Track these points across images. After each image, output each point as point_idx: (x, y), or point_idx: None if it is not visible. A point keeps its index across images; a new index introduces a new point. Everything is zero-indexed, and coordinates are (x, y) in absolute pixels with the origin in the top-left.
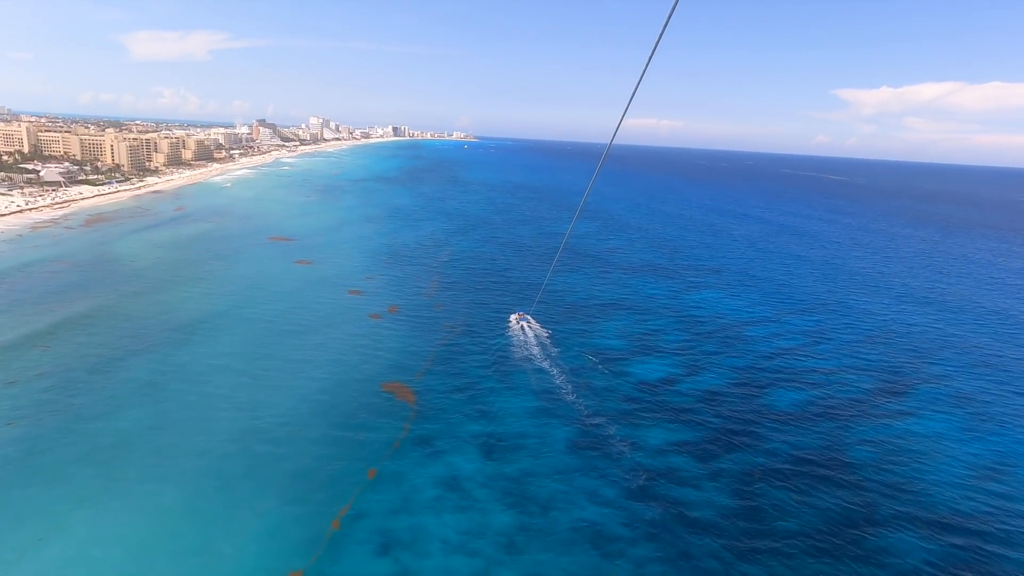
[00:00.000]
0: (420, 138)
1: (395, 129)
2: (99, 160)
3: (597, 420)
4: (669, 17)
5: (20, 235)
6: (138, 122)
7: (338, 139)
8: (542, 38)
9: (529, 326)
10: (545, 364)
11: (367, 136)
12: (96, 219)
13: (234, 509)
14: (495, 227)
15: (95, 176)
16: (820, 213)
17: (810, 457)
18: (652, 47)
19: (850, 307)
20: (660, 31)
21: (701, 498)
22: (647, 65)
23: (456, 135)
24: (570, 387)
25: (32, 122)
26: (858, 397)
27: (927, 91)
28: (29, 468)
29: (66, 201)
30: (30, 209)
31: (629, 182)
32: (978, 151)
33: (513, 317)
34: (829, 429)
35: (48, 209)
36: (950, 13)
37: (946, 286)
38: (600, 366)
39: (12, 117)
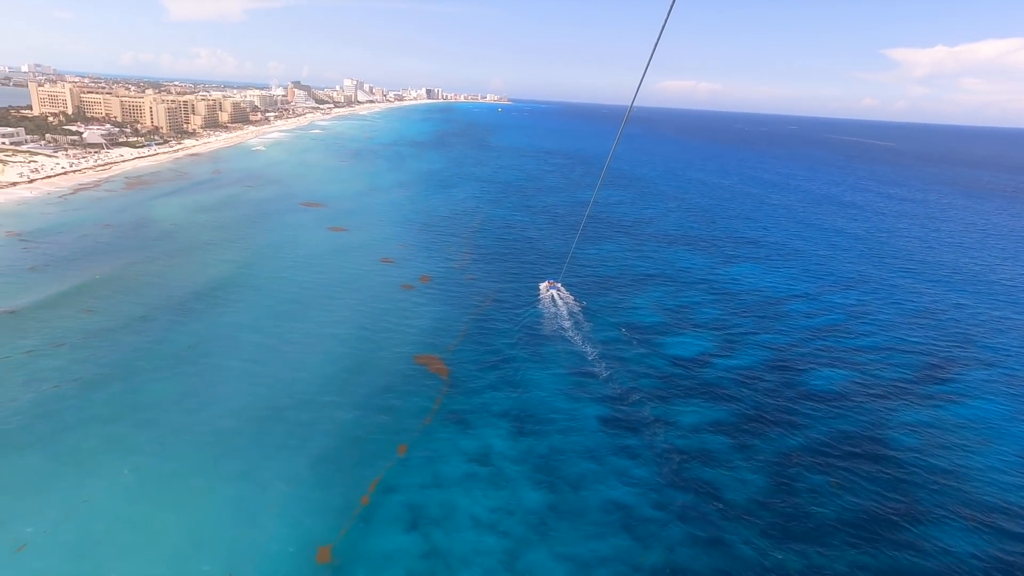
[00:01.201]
0: (454, 100)
1: (428, 92)
2: (139, 122)
3: (629, 397)
4: None
5: (63, 197)
6: (176, 83)
7: (372, 101)
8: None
9: (559, 295)
10: (577, 338)
11: (400, 98)
12: (135, 182)
13: (263, 481)
14: (527, 194)
15: (135, 138)
16: (865, 182)
17: (849, 441)
18: (670, 5)
19: (895, 284)
20: None
21: (735, 481)
22: (666, 19)
23: (490, 98)
24: (602, 362)
25: (76, 83)
26: (901, 380)
27: (987, 49)
28: (62, 437)
29: (107, 163)
30: (74, 171)
31: (665, 148)
32: None
33: (543, 285)
34: (870, 412)
35: (91, 171)
36: None
37: (1000, 263)
38: (633, 341)
39: (57, 77)
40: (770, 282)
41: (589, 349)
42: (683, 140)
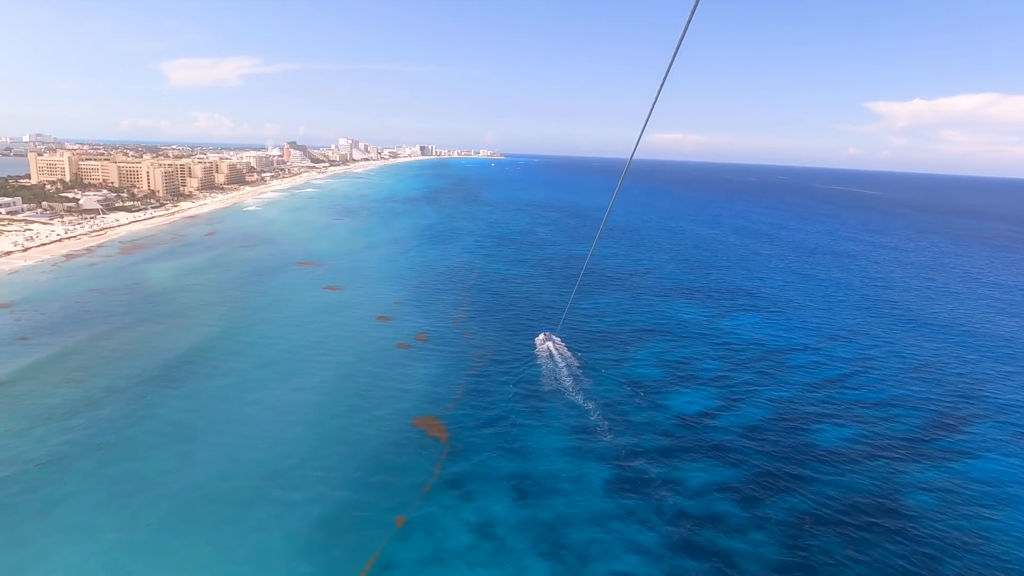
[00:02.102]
0: (447, 156)
1: (423, 148)
2: (135, 186)
3: (634, 458)
4: (685, 29)
5: (56, 264)
6: (174, 146)
7: (367, 159)
8: (565, 57)
9: (556, 348)
10: (578, 396)
11: (395, 155)
12: (130, 246)
13: (254, 562)
14: (521, 248)
15: (131, 203)
16: (857, 231)
17: (862, 503)
18: (667, 64)
19: (894, 335)
20: (676, 46)
21: (747, 550)
22: (663, 80)
23: (483, 153)
24: (605, 422)
25: (74, 151)
26: (909, 436)
27: (963, 103)
28: (45, 514)
29: (103, 228)
30: (69, 238)
31: (656, 199)
32: (1019, 163)
33: (539, 337)
34: (880, 471)
35: (86, 237)
36: (983, 24)
37: (996, 316)
38: (635, 397)
39: (57, 145)
40: (769, 334)
41: (591, 406)
42: (674, 191)
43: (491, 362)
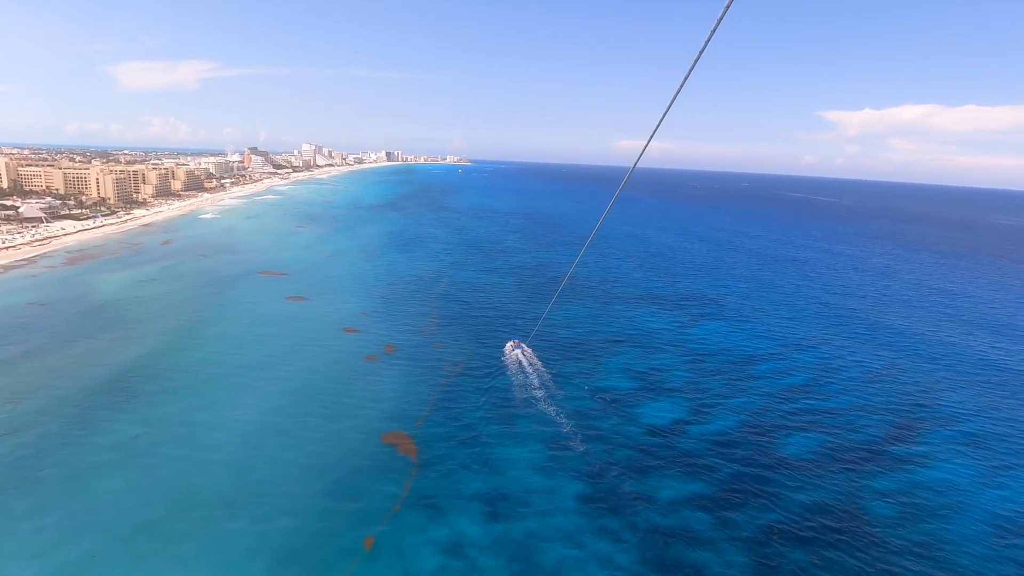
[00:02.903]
0: (414, 162)
1: (388, 154)
2: (84, 194)
3: (606, 472)
4: (708, 38)
5: None
6: (126, 151)
7: (331, 165)
8: (534, 65)
9: (525, 356)
10: (549, 408)
11: (360, 161)
12: (78, 256)
13: None
14: (491, 256)
15: (79, 210)
16: (815, 238)
17: (827, 513)
18: (684, 76)
19: (853, 342)
20: (696, 55)
21: (720, 563)
22: (676, 93)
23: (450, 159)
24: (577, 434)
25: (13, 155)
26: (870, 442)
27: (907, 113)
28: None
29: (47, 238)
30: (6, 247)
31: (623, 207)
32: (957, 171)
33: (508, 345)
34: (844, 479)
35: (27, 247)
36: (927, 36)
37: (944, 320)
38: (606, 409)
39: None
40: (735, 342)
41: (563, 420)
42: (640, 198)
43: (461, 374)
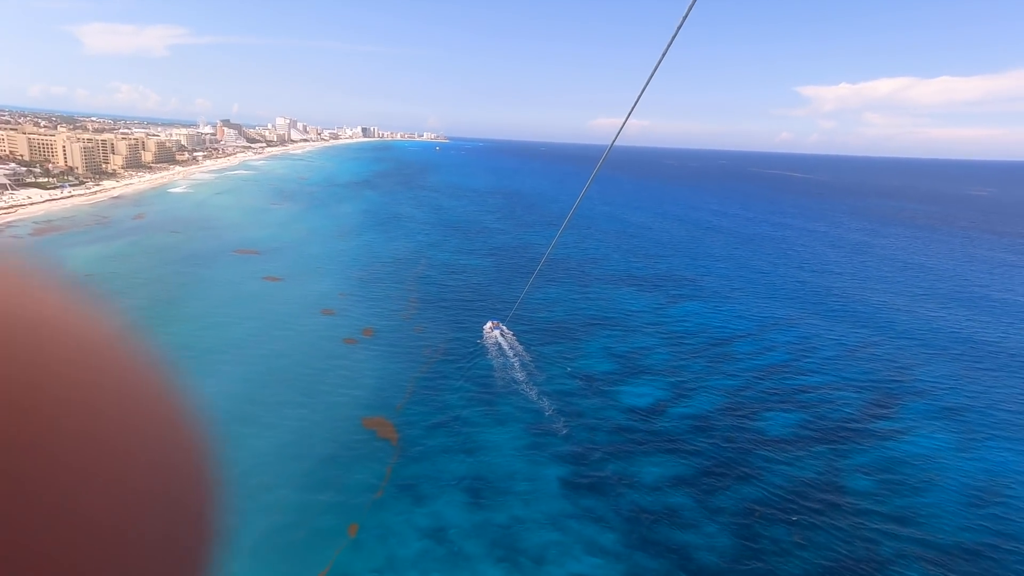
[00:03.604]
0: (391, 139)
1: (364, 130)
2: (50, 161)
3: (590, 455)
4: (680, 24)
5: None
6: (93, 119)
7: (306, 140)
8: (512, 42)
9: (505, 337)
10: (531, 391)
11: (336, 137)
12: (46, 228)
13: None
14: (470, 236)
15: (45, 179)
16: (791, 216)
17: (807, 489)
18: (659, 57)
19: (830, 318)
20: (670, 38)
21: (704, 542)
22: (652, 73)
23: (427, 136)
24: (559, 417)
25: None
26: (848, 417)
27: (883, 86)
28: None
29: (12, 206)
30: None
31: (600, 185)
32: (931, 144)
33: (487, 326)
34: (823, 455)
35: None
36: (902, 7)
37: (920, 296)
38: (587, 391)
39: None
40: (714, 322)
41: (544, 403)
42: (617, 177)
43: (441, 357)
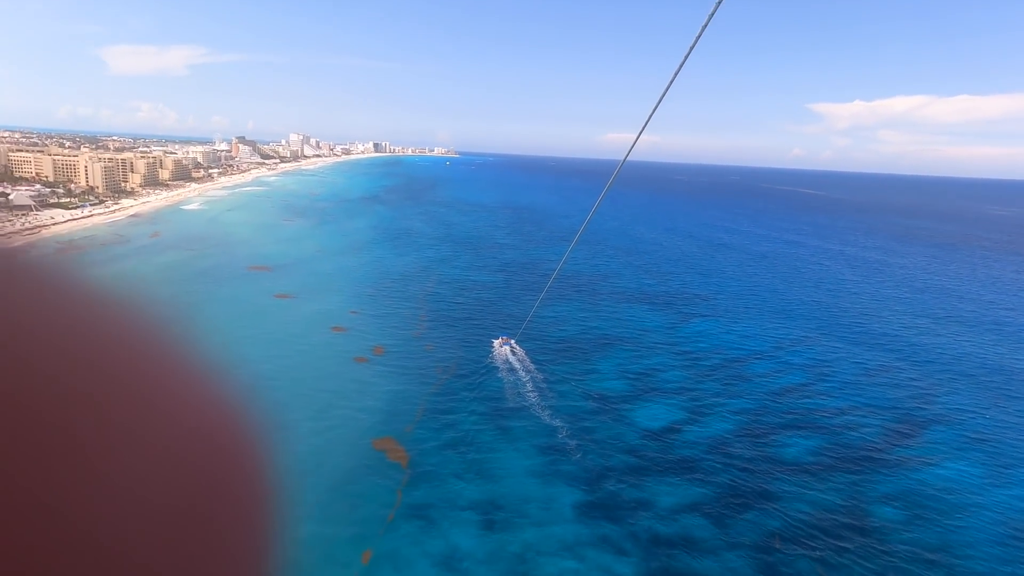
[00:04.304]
0: (401, 154)
1: (376, 145)
2: (73, 181)
3: (604, 479)
4: (699, 34)
5: None
6: (115, 137)
7: (319, 155)
8: (522, 56)
9: (516, 355)
10: (543, 411)
11: (348, 152)
12: (68, 247)
13: None
14: (480, 252)
15: (68, 199)
16: (806, 233)
17: (831, 518)
18: (676, 68)
19: (848, 337)
20: (687, 51)
21: (723, 573)
22: (668, 86)
23: (438, 151)
24: (572, 439)
25: (5, 138)
26: (870, 442)
27: (899, 104)
28: None
29: (37, 227)
30: None
31: (611, 200)
32: (948, 162)
33: (497, 342)
34: (846, 482)
35: (18, 236)
36: (920, 29)
37: (942, 309)
38: (601, 412)
39: None
40: (729, 341)
41: (557, 423)
42: (627, 192)
43: (452, 376)
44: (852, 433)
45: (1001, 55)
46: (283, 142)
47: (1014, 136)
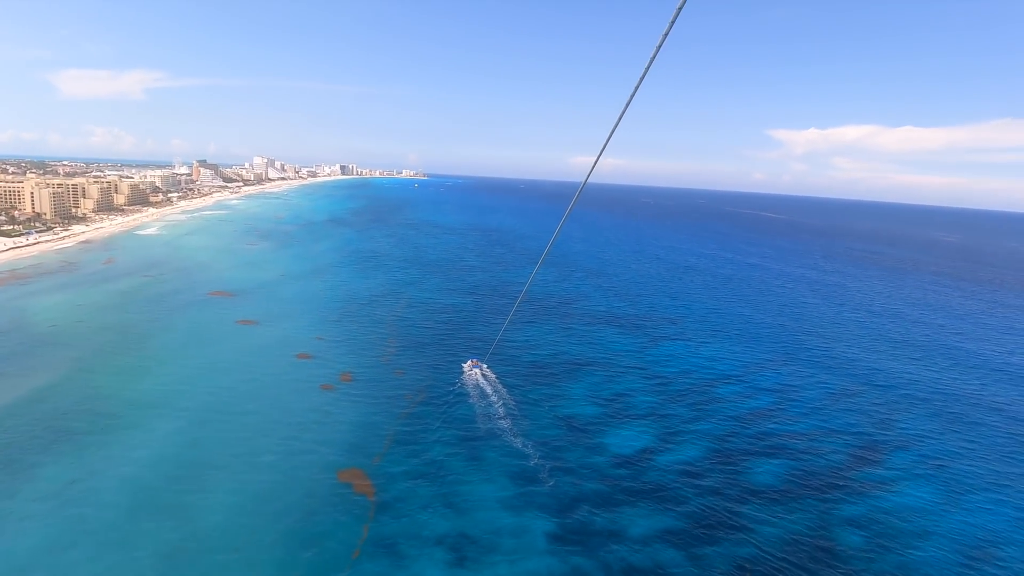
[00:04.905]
0: (369, 176)
1: (343, 168)
2: (16, 208)
3: (576, 507)
4: (653, 57)
5: None
6: (66, 162)
7: (284, 178)
8: (490, 80)
9: (486, 379)
10: (514, 439)
11: (314, 175)
12: (8, 276)
13: None
14: (449, 274)
15: (11, 227)
16: (769, 257)
17: (798, 545)
18: (633, 88)
19: (811, 359)
20: (642, 73)
21: None
22: (625, 107)
23: (406, 173)
24: (544, 465)
25: None
26: (835, 467)
27: (850, 133)
28: None
29: None
30: None
31: (575, 224)
32: (896, 189)
33: (466, 365)
34: (812, 507)
35: None
36: (868, 60)
37: (898, 333)
38: (572, 438)
39: None
40: (697, 363)
41: (529, 450)
42: (594, 214)
43: (422, 402)
44: (817, 458)
45: (942, 91)
46: (247, 165)
47: (951, 166)
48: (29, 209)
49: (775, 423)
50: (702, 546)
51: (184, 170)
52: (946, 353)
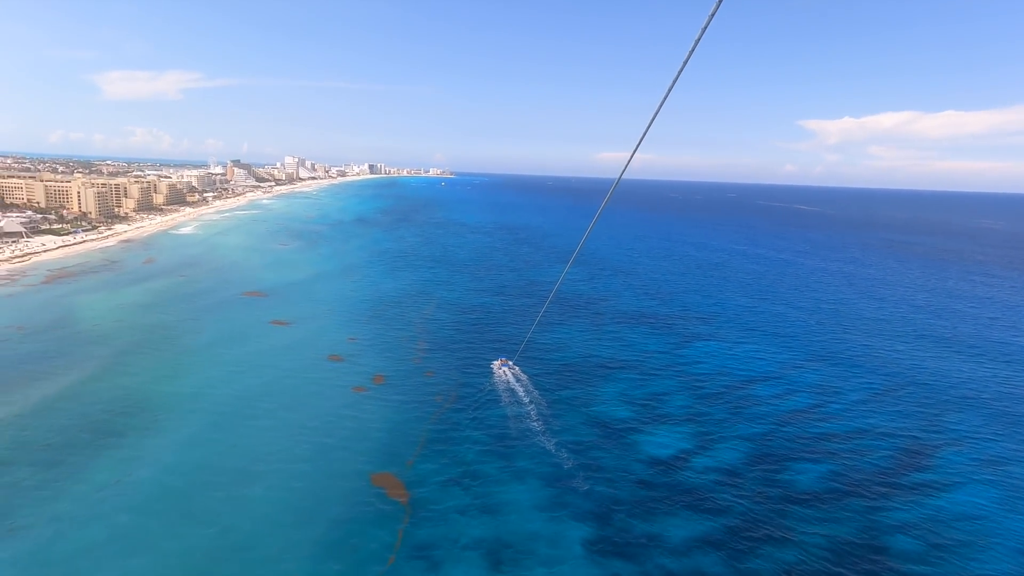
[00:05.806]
0: (397, 175)
1: (371, 167)
2: (65, 207)
3: (613, 513)
4: (690, 54)
5: None
6: (109, 162)
7: (314, 178)
8: (516, 77)
9: (516, 379)
10: (548, 442)
11: (343, 174)
12: (57, 274)
13: None
14: (477, 275)
15: (60, 225)
16: (803, 252)
17: (846, 551)
18: (670, 83)
19: (851, 357)
20: (679, 68)
21: None
22: (660, 104)
23: (433, 171)
24: (579, 471)
25: None
26: (881, 468)
27: (887, 120)
28: None
29: (27, 254)
30: None
31: (606, 219)
32: (937, 176)
33: (496, 364)
34: (860, 511)
35: (5, 264)
36: (905, 46)
37: (944, 329)
38: (607, 442)
39: None
40: (733, 363)
41: (563, 455)
42: (623, 211)
43: (453, 404)
44: (862, 458)
45: (987, 72)
46: (278, 164)
47: (998, 150)
48: (76, 208)
49: (816, 424)
50: (744, 553)
51: (219, 170)
52: (1000, 349)
